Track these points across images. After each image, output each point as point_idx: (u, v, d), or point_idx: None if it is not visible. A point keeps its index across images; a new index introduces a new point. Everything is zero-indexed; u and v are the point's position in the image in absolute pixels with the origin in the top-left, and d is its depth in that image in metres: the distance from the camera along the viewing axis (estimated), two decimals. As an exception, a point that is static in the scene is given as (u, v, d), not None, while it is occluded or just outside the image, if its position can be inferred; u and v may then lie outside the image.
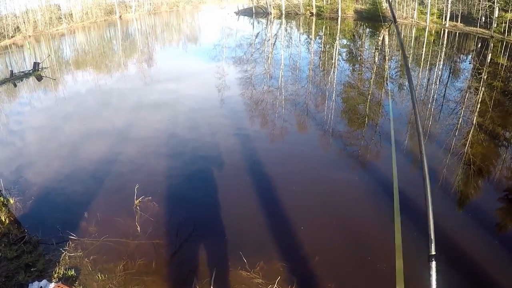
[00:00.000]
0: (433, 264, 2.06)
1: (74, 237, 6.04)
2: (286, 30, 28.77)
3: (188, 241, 6.10)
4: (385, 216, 6.76)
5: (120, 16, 32.62)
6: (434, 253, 2.02)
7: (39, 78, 17.11)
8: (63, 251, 5.75)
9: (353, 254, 6.06)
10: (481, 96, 12.49)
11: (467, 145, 9.59)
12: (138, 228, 6.28)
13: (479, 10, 28.07)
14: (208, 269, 5.44)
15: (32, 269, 5.43)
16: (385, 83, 14.93)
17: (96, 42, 25.36)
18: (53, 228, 6.31)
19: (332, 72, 16.88)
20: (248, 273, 5.41)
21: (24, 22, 27.47)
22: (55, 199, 7.26)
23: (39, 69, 17.85)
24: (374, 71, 16.65)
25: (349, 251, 6.13)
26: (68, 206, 7.01)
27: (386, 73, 16.32)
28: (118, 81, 16.75)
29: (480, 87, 13.32)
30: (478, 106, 11.69)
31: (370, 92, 13.89)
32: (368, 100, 12.98)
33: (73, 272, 5.36)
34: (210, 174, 8.10)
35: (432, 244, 2.02)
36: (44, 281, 4.95)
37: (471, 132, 10.27)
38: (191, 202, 7.17)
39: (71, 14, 29.04)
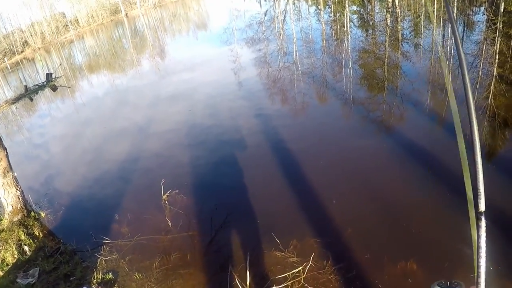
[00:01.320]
0: (483, 222, 1.89)
1: (108, 240, 6.08)
2: (294, 4, 28.27)
3: (219, 229, 6.07)
4: (416, 180, 6.65)
5: (126, 14, 32.61)
6: (484, 209, 1.87)
7: (54, 88, 17.28)
8: (98, 256, 5.78)
9: (387, 222, 5.95)
10: (498, 47, 12.00)
11: (490, 97, 9.21)
12: (169, 223, 6.27)
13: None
14: (243, 254, 5.39)
15: (71, 278, 5.49)
16: (400, 44, 14.51)
17: (106, 44, 25.46)
18: (86, 234, 6.36)
19: (345, 40, 16.48)
20: (283, 253, 5.35)
21: (31, 35, 27.74)
22: (85, 206, 7.33)
23: (53, 79, 18.02)
24: (388, 34, 16.20)
25: (382, 220, 6.01)
26: (98, 211, 7.07)
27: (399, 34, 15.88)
28: (133, 79, 16.80)
29: (497, 38, 12.79)
30: (497, 57, 11.25)
31: (386, 55, 13.52)
32: (386, 64, 12.64)
33: (111, 275, 5.38)
34: (236, 158, 8.03)
35: (482, 200, 1.84)
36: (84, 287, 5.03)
37: (492, 84, 9.83)
38: (219, 189, 7.13)
39: (77, 19, 29.20)
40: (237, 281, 4.87)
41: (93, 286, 5.21)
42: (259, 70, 14.06)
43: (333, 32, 18.71)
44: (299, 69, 13.61)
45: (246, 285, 4.90)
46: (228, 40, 19.62)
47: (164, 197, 6.82)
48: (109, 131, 11.04)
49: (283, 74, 13.24)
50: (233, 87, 12.95)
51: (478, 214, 1.90)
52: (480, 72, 10.71)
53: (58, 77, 18.60)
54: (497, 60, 11.09)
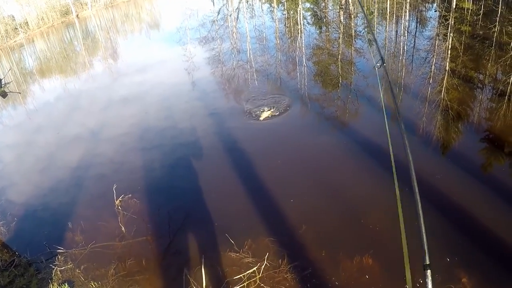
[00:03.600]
0: (429, 272, 2.22)
1: (62, 250, 6.01)
2: (247, 2, 28.34)
3: (175, 232, 6.12)
4: (371, 176, 6.86)
5: (77, 15, 31.76)
6: (429, 262, 2.25)
7: (4, 95, 16.68)
8: (53, 267, 5.72)
9: (342, 218, 6.15)
10: (450, 42, 12.49)
11: (442, 91, 9.66)
12: (123, 229, 6.26)
13: None
14: (199, 257, 5.47)
15: (27, 292, 5.42)
16: (353, 41, 14.83)
17: (57, 46, 24.77)
18: (40, 245, 6.26)
19: (299, 37, 16.68)
20: (238, 254, 5.46)
21: (-23, 41, 26.72)
22: (38, 215, 7.18)
23: (2, 85, 17.41)
24: (342, 31, 16.50)
25: (337, 216, 6.21)
26: (52, 220, 6.94)
27: (352, 31, 16.22)
28: (86, 82, 16.40)
29: (449, 34, 13.29)
30: (449, 52, 11.71)
31: (340, 52, 13.79)
32: (339, 60, 12.91)
33: (67, 286, 5.34)
34: (191, 160, 8.06)
35: (426, 255, 2.26)
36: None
37: (445, 78, 10.32)
38: (175, 192, 7.17)
39: (27, 22, 28.22)
40: (192, 285, 4.94)
41: (49, 298, 5.16)
42: (213, 70, 14.07)
43: (286, 29, 18.88)
44: (253, 67, 13.70)
45: (202, 287, 4.97)
46: (181, 39, 19.44)
47: (117, 202, 6.79)
48: (62, 137, 10.79)
49: (237, 73, 13.29)
50: (187, 87, 12.90)
51: (424, 266, 2.30)
52: (433, 67, 11.22)
53: (7, 83, 17.97)
54: (449, 55, 11.54)
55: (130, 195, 6.98)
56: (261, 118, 9.17)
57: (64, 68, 19.97)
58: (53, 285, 5.39)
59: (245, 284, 5.06)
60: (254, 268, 5.15)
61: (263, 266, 5.18)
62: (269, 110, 9.52)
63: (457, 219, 5.86)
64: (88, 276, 5.49)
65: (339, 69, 12.13)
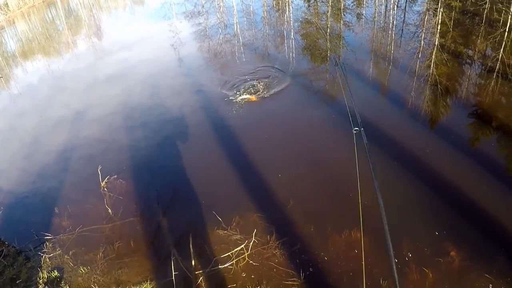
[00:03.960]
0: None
1: (50, 236, 5.95)
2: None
3: (161, 211, 6.09)
4: (360, 151, 6.83)
5: (59, -7, 31.12)
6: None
7: (-15, 80, 16.39)
8: (42, 254, 5.66)
9: (330, 193, 6.12)
10: (440, 17, 12.32)
11: (431, 66, 9.64)
12: (110, 211, 6.21)
13: None
14: (186, 236, 5.42)
15: (17, 282, 5.35)
16: (342, 14, 14.61)
17: (39, 27, 24.24)
18: (28, 233, 6.17)
19: (287, 11, 16.40)
20: (225, 231, 5.44)
21: (-43, 25, 25.94)
22: (24, 202, 7.08)
23: (-17, 70, 17.06)
24: (330, 4, 16.19)
25: (325, 191, 6.17)
26: (38, 206, 6.84)
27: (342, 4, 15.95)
28: (70, 62, 16.08)
29: (439, 8, 13.09)
30: (439, 28, 11.58)
31: (328, 26, 13.57)
32: (328, 34, 12.73)
33: (56, 272, 5.31)
34: (178, 138, 7.98)
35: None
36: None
37: (434, 53, 10.29)
38: (161, 171, 7.10)
39: (7, 3, 27.54)
40: (181, 265, 4.90)
41: (40, 287, 5.10)
42: (200, 45, 13.82)
43: (274, 3, 18.52)
44: (240, 41, 13.48)
45: (191, 267, 4.93)
46: (166, 14, 19.07)
47: (103, 184, 6.71)
48: (47, 120, 10.61)
49: (224, 48, 13.07)
50: (173, 63, 12.69)
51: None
52: (422, 42, 11.12)
53: (-11, 68, 17.66)
54: (438, 31, 11.40)
55: (115, 176, 6.91)
56: (248, 95, 9.01)
57: (47, 49, 19.56)
58: (42, 273, 5.34)
59: (234, 261, 5.03)
60: (242, 246, 5.13)
61: (251, 243, 5.17)
62: (256, 85, 9.41)
63: (446, 194, 5.89)
64: (77, 261, 5.46)
65: (328, 43, 11.97)
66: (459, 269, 4.96)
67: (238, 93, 9.25)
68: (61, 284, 5.14)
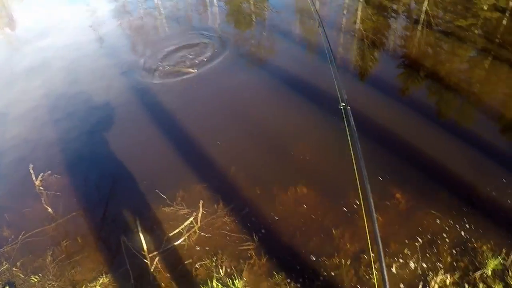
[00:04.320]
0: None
1: (-8, 251, 5.67)
2: None
3: (103, 200, 5.93)
4: (294, 108, 6.90)
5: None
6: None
7: None
8: (-13, 273, 5.41)
9: (271, 153, 6.22)
10: None
11: (357, 22, 9.88)
12: (50, 210, 5.97)
13: None
14: (133, 220, 5.36)
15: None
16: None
17: None
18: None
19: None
20: (171, 208, 5.42)
21: None
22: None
23: None
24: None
25: (266, 152, 6.27)
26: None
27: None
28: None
29: None
30: None
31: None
32: None
33: (8, 288, 5.10)
34: (109, 122, 7.71)
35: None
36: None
37: (359, 8, 10.50)
38: (96, 159, 6.86)
39: None
40: (133, 251, 4.83)
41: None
42: (120, 22, 13.19)
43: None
44: (162, 13, 13.00)
45: (144, 251, 4.88)
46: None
47: (37, 183, 6.40)
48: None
49: (145, 22, 12.58)
50: (94, 45, 12.02)
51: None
52: None
53: None
54: None
55: (49, 172, 6.59)
56: (176, 68, 8.78)
57: None
58: (-6, 292, 5.12)
59: (185, 237, 5.01)
60: (191, 219, 5.11)
61: (199, 215, 5.14)
62: (186, 55, 9.19)
63: (384, 141, 6.21)
64: (27, 271, 5.24)
65: (252, 7, 11.90)
66: (406, 210, 5.27)
67: (168, 66, 8.98)
68: (15, 299, 4.95)
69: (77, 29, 14.03)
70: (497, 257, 4.79)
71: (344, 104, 4.14)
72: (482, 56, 8.51)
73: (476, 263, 4.79)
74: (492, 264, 4.72)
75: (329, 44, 5.57)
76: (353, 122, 4.05)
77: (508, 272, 4.69)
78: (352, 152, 3.66)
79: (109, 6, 14.98)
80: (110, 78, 9.43)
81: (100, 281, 4.80)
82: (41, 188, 6.37)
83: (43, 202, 6.13)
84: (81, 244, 5.31)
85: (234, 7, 12.30)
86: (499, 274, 4.67)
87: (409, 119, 6.68)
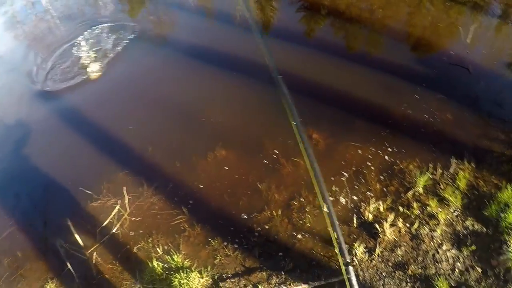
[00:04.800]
0: (350, 268, 2.70)
1: None
2: None
3: (29, 211, 5.91)
4: (197, 74, 6.89)
5: None
6: (349, 260, 2.67)
7: None
8: None
9: (182, 125, 6.34)
10: None
11: None
12: (-19, 233, 5.94)
13: None
14: (66, 223, 5.38)
15: None
16: None
17: None
18: None
19: None
20: (99, 201, 5.52)
21: None
22: None
23: None
24: None
25: (178, 125, 6.39)
26: None
27: None
28: None
29: None
30: None
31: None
32: None
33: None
34: (22, 138, 7.24)
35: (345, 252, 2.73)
36: None
37: None
38: (19, 176, 6.61)
39: None
40: (72, 251, 4.96)
41: None
42: (14, 33, 12.42)
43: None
44: (54, 15, 12.34)
45: (81, 248, 5.02)
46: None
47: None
48: None
49: (40, 27, 11.86)
50: None
51: (345, 264, 2.57)
52: None
53: None
54: None
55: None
56: (76, 70, 8.29)
57: None
58: None
59: (118, 225, 5.18)
60: (117, 207, 5.25)
61: (126, 201, 5.29)
62: (86, 53, 8.72)
63: (294, 85, 6.27)
64: (-26, 299, 5.32)
65: None
66: (325, 148, 5.49)
67: (67, 68, 8.44)
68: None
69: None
70: (426, 173, 5.03)
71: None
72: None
73: (406, 183, 5.04)
74: (422, 181, 4.97)
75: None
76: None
77: (440, 185, 4.98)
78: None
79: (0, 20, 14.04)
80: (17, 93, 8.87)
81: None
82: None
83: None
84: (22, 257, 5.39)
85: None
86: (431, 189, 4.98)
87: (319, 59, 6.83)
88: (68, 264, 4.91)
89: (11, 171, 6.77)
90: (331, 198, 4.87)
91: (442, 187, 4.96)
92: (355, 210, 4.86)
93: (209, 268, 4.64)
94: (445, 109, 5.92)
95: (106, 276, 4.88)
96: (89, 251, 5.08)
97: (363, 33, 7.68)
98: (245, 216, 5.04)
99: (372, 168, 5.20)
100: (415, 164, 5.16)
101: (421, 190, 4.94)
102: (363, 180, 5.11)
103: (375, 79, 6.49)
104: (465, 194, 4.87)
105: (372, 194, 4.97)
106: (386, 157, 5.29)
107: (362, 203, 4.91)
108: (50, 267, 5.21)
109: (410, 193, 4.96)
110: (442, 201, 4.82)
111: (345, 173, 5.20)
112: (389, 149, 5.36)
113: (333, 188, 5.05)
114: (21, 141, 7.18)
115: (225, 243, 4.84)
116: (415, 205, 4.83)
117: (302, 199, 5.04)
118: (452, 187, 4.93)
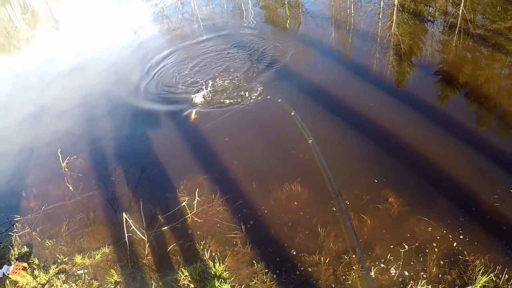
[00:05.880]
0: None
1: (19, 217, 6.49)
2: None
3: (115, 184, 6.72)
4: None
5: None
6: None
7: None
8: (12, 234, 6.21)
9: (272, 152, 6.74)
10: None
11: (393, 26, 9.97)
12: (71, 188, 6.81)
13: None
14: (137, 202, 6.09)
15: (-9, 262, 5.87)
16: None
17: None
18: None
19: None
20: (173, 194, 6.07)
21: None
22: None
23: None
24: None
25: (268, 151, 6.80)
26: (7, 193, 7.32)
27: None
28: (30, 58, 15.77)
29: None
30: None
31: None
32: (287, 3, 13.26)
33: (25, 248, 5.89)
34: (125, 113, 8.72)
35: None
36: (4, 267, 5.50)
37: (394, 13, 10.59)
38: (115, 146, 7.73)
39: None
40: (133, 227, 5.48)
41: (12, 262, 5.64)
42: (159, 27, 13.93)
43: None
44: (199, 17, 13.72)
45: (143, 228, 5.55)
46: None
47: (64, 165, 7.26)
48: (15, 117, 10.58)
49: (183, 25, 13.29)
50: (131, 50, 12.47)
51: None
52: (382, 3, 11.54)
53: None
54: None
55: (75, 157, 7.47)
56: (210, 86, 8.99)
57: (7, 47, 19.16)
58: (14, 250, 5.89)
59: (180, 220, 5.67)
60: (183, 203, 5.74)
61: (195, 202, 5.76)
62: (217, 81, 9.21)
63: (384, 144, 6.49)
64: (44, 236, 6.03)
65: (287, 11, 12.58)
66: (398, 215, 5.32)
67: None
68: (31, 257, 5.71)
69: (119, 32, 14.77)
70: (490, 273, 4.53)
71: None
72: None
73: (465, 277, 4.58)
74: (482, 280, 4.47)
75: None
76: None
77: (499, 291, 4.38)
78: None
79: (150, 11, 15.71)
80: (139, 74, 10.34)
81: (102, 251, 5.53)
82: (66, 169, 7.24)
83: (66, 181, 6.99)
84: (92, 219, 6.10)
85: (270, 13, 12.89)
86: (488, 292, 4.43)
87: (434, 126, 6.70)
88: (126, 237, 5.41)
89: (112, 146, 7.79)
90: (381, 265, 4.80)
91: (501, 293, 4.42)
92: (401, 286, 4.63)
93: (242, 287, 4.82)
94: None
95: (154, 259, 5.33)
96: (148, 233, 5.56)
97: (494, 111, 7.11)
98: (294, 252, 5.14)
99: (436, 250, 4.90)
100: (483, 261, 4.70)
101: (477, 289, 4.46)
102: (421, 259, 4.84)
103: (475, 161, 6.01)
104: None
105: (425, 275, 4.68)
106: (455, 244, 4.94)
107: (411, 281, 4.64)
108: (111, 234, 5.80)
109: (465, 290, 4.49)
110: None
111: (406, 245, 4.98)
112: (461, 237, 4.99)
113: (388, 256, 4.89)
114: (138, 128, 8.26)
115: (266, 270, 4.98)
116: (464, 304, 4.39)
117: (354, 256, 4.96)
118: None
